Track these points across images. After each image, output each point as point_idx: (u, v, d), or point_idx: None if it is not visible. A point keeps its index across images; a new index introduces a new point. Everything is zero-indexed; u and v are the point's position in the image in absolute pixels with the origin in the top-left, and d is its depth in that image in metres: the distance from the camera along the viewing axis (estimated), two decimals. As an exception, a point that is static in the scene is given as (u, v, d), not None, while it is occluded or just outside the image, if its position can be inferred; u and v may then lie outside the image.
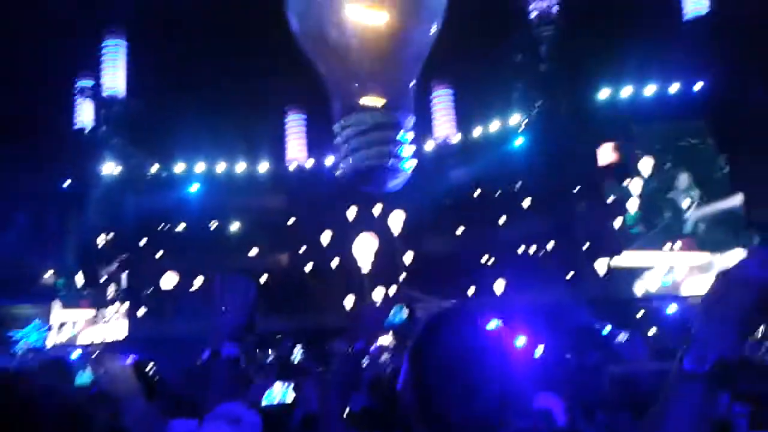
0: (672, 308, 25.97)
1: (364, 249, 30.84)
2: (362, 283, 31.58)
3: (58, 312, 32.25)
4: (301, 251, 36.12)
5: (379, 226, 32.05)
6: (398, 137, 5.93)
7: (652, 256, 28.97)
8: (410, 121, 5.94)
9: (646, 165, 30.07)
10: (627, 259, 28.69)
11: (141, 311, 33.31)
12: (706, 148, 29.49)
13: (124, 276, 33.60)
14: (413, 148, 5.84)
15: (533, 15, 30.78)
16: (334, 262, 34.80)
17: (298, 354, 18.47)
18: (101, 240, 32.67)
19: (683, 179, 29.68)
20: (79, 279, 33.07)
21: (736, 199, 28.12)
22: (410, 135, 6.04)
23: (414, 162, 6.08)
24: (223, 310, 2.78)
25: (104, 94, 33.07)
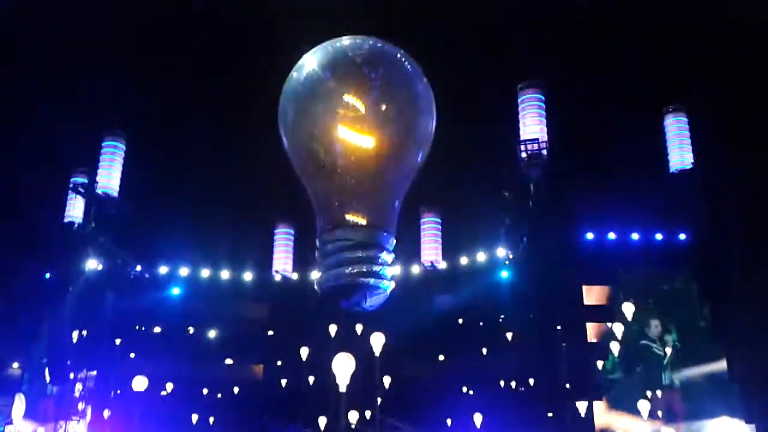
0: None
1: (342, 369, 30.25)
2: (338, 403, 30.74)
3: (19, 408, 30.84)
4: (278, 365, 35.40)
5: (360, 347, 31.61)
6: (379, 257, 6.07)
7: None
8: (392, 242, 6.13)
9: (628, 309, 30.49)
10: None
11: (106, 413, 32.03)
12: (689, 297, 30.03)
13: (92, 375, 32.51)
14: (394, 269, 5.98)
15: (523, 155, 31.71)
16: (311, 380, 34.06)
17: None
18: (75, 336, 31.75)
19: (654, 325, 30.00)
20: (46, 374, 31.91)
21: (721, 364, 28.39)
22: (391, 256, 6.19)
23: (393, 284, 6.21)
24: None
25: (98, 191, 33.17)
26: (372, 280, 5.58)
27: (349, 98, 5.47)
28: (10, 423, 30.54)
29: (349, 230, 5.55)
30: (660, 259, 30.64)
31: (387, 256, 5.68)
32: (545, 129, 32.30)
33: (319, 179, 5.62)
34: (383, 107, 5.36)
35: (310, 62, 8.67)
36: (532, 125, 32.39)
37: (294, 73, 7.29)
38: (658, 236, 30.94)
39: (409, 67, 7.75)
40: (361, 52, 7.01)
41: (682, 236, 30.54)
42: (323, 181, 5.63)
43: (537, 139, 31.80)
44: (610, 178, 31.46)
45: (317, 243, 5.85)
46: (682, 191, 30.04)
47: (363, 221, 5.62)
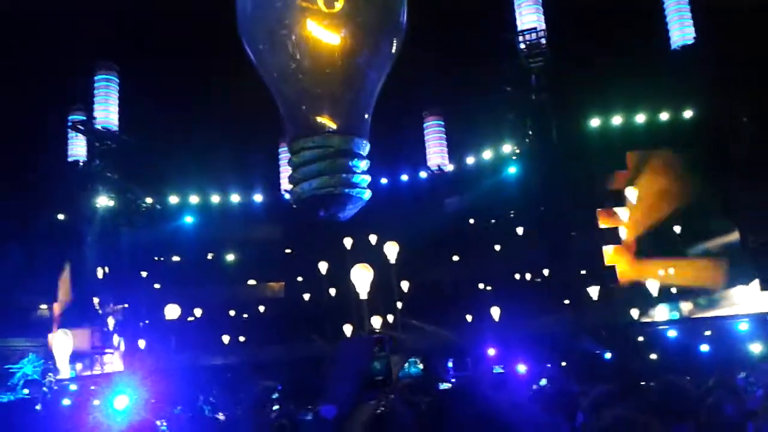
0: (672, 333, 26.14)
1: (361, 279, 30.91)
2: (360, 311, 31.61)
3: (65, 342, 31.96)
4: (298, 281, 36.16)
5: (376, 257, 32.17)
6: (355, 164, 6.02)
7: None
8: (366, 148, 6.07)
9: (632, 193, 30.60)
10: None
11: (141, 343, 33.18)
12: (697, 173, 29.95)
13: (121, 308, 33.48)
14: (368, 176, 5.98)
15: (522, 46, 31.04)
16: (332, 292, 34.83)
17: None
18: (99, 273, 32.48)
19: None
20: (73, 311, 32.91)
21: (734, 236, 28.57)
22: (366, 162, 6.15)
23: (369, 192, 6.23)
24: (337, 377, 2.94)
25: (97, 126, 33.08)
26: (351, 189, 5.54)
27: None
28: (50, 367, 31.50)
29: (322, 137, 5.45)
30: (667, 138, 30.37)
31: (362, 163, 5.63)
32: (542, 18, 31.51)
33: (285, 82, 5.47)
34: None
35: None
36: (528, 14, 31.58)
37: None
38: (664, 115, 30.51)
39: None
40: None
41: (688, 113, 30.09)
42: (289, 85, 5.48)
43: (535, 28, 31.10)
44: (611, 62, 30.72)
45: (288, 152, 5.77)
46: (685, 67, 29.37)
47: (335, 126, 5.50)
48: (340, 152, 5.91)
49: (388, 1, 6.14)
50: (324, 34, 5.72)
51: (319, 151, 5.91)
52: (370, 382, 3.04)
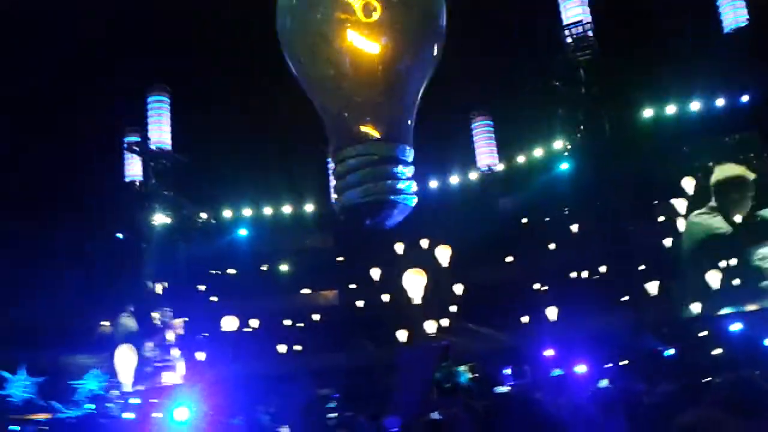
0: (736, 326, 25.21)
1: (414, 284, 30.87)
2: (415, 316, 31.57)
3: (130, 358, 32.78)
4: (351, 288, 36.33)
5: (428, 261, 32.09)
6: (400, 171, 5.89)
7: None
8: (411, 154, 5.94)
9: (688, 184, 29.76)
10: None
11: (200, 355, 33.78)
12: (759, 160, 28.98)
13: (180, 322, 34.14)
14: (413, 182, 5.85)
15: (569, 40, 30.57)
16: (385, 298, 34.86)
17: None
18: (158, 288, 33.21)
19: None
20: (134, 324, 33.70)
21: None
22: (410, 169, 6.01)
23: (416, 198, 6.08)
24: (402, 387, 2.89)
25: (152, 146, 33.86)
26: (396, 196, 5.46)
27: None
28: (115, 383, 32.27)
29: (365, 145, 5.39)
30: (724, 125, 29.43)
31: (407, 170, 5.54)
32: (588, 9, 30.97)
33: (326, 93, 5.44)
34: (389, 3, 5.12)
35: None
36: (573, 8, 31.09)
37: None
38: (720, 102, 29.56)
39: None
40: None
41: (745, 98, 29.09)
42: (331, 96, 5.45)
43: (581, 21, 30.58)
44: (661, 50, 29.97)
45: (332, 162, 5.73)
46: (740, 50, 28.40)
47: (378, 134, 5.43)
48: (384, 159, 5.82)
49: (428, 7, 6.03)
50: (364, 43, 5.64)
51: (363, 159, 5.83)
52: (440, 391, 2.99)
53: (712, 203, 29.06)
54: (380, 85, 6.04)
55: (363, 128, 6.14)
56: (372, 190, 5.99)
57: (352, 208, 6.14)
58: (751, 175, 28.77)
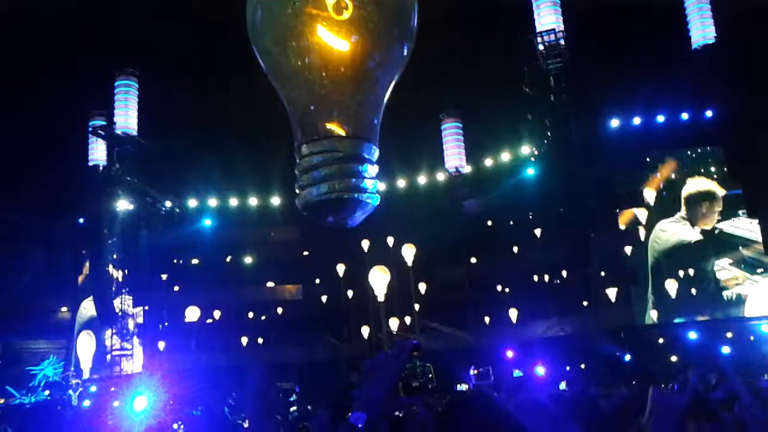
0: (693, 335, 25.84)
1: (378, 281, 31.01)
2: (378, 313, 31.68)
3: (89, 345, 32.29)
4: (316, 283, 36.28)
5: (393, 259, 32.23)
6: (364, 169, 5.88)
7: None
8: (376, 153, 5.93)
9: (650, 194, 30.45)
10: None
11: (161, 345, 33.46)
12: (720, 174, 29.72)
13: (140, 311, 33.77)
14: (377, 181, 5.85)
15: (541, 47, 30.85)
16: (350, 294, 34.91)
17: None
18: (118, 275, 32.79)
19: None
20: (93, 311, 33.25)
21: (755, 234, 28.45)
22: (375, 168, 6.00)
23: (378, 197, 6.08)
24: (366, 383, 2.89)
25: (117, 131, 33.39)
26: (359, 195, 5.47)
27: None
28: (72, 370, 31.87)
29: (331, 141, 5.38)
30: (688, 138, 30.09)
31: (372, 169, 5.55)
32: (561, 18, 31.32)
33: (294, 88, 5.42)
34: (360, 2, 5.13)
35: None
36: (547, 15, 31.41)
37: None
38: (685, 116, 30.21)
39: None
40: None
41: (710, 113, 29.77)
42: (298, 91, 5.43)
43: (554, 30, 30.90)
44: (630, 62, 30.48)
45: (296, 156, 5.69)
46: (707, 67, 29.02)
47: (344, 131, 5.43)
48: (348, 157, 5.86)
49: (399, 7, 6.09)
50: (333, 40, 5.68)
51: (328, 155, 5.87)
52: (408, 389, 3.05)
53: (682, 213, 29.76)
54: (348, 83, 6.09)
55: (329, 124, 6.18)
56: (336, 187, 6.03)
57: (314, 204, 6.17)
58: (722, 191, 29.56)
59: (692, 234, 29.38)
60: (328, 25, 5.80)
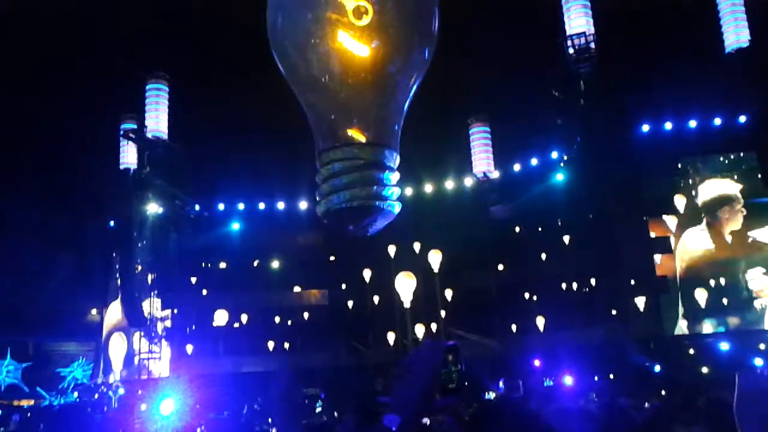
0: (724, 345, 25.27)
1: (404, 287, 30.84)
2: (404, 319, 31.51)
3: (120, 346, 32.61)
4: (342, 288, 36.24)
5: (420, 265, 32.04)
6: (386, 177, 5.80)
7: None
8: (396, 160, 5.85)
9: (680, 201, 29.89)
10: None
11: (189, 348, 33.69)
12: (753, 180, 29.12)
13: (168, 313, 34.03)
14: (398, 188, 5.80)
15: (570, 51, 30.49)
16: (376, 299, 34.81)
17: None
18: (147, 279, 33.09)
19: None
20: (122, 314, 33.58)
21: None
22: (396, 175, 5.92)
23: (399, 205, 5.99)
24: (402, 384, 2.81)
25: (148, 135, 33.76)
26: (381, 202, 5.39)
27: (341, 0, 5.15)
28: (98, 371, 32.20)
29: (351, 148, 5.32)
30: (721, 144, 29.52)
31: (392, 176, 5.46)
32: (591, 21, 30.94)
33: (314, 94, 5.38)
34: (380, 7, 5.07)
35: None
36: (577, 18, 31.06)
37: None
38: (717, 121, 29.62)
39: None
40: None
41: (743, 118, 29.15)
42: (318, 97, 5.39)
43: (584, 33, 30.54)
44: (663, 66, 30.00)
45: (317, 164, 5.62)
46: (740, 71, 28.43)
47: (364, 138, 5.37)
48: (369, 164, 5.76)
49: (420, 11, 5.98)
50: (354, 45, 5.59)
51: (348, 163, 5.78)
52: (443, 390, 2.96)
53: (705, 221, 29.26)
54: (369, 89, 6.00)
55: (350, 131, 6.09)
56: (356, 195, 5.93)
57: (335, 212, 6.07)
58: (737, 187, 28.93)
59: (718, 242, 28.82)
60: (348, 30, 5.72)
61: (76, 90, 35.39)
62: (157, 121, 34.39)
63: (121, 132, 35.07)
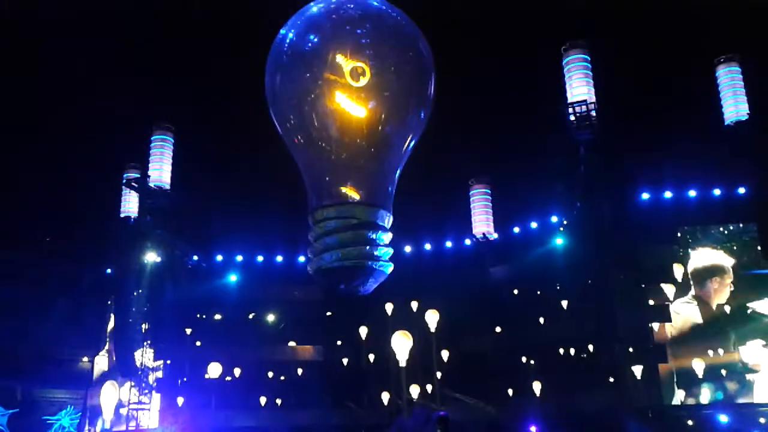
0: (723, 418, 24.85)
1: (400, 346, 30.56)
2: (399, 379, 31.11)
3: (112, 394, 32.06)
4: (337, 344, 35.90)
5: (417, 324, 31.81)
6: (378, 236, 5.75)
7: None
8: (389, 220, 5.81)
9: (678, 270, 29.90)
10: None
11: (179, 400, 33.13)
12: (752, 252, 29.12)
13: (160, 364, 33.59)
14: (391, 249, 5.71)
15: (572, 118, 30.84)
16: (371, 357, 34.45)
17: None
18: (141, 328, 32.77)
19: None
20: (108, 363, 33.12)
21: None
22: (388, 235, 5.85)
23: (391, 265, 5.90)
24: None
25: (150, 185, 33.86)
26: (373, 262, 5.37)
27: (338, 61, 5.25)
28: (85, 420, 31.64)
29: (345, 207, 5.33)
30: (721, 215, 29.66)
31: (385, 236, 5.46)
32: (593, 90, 31.40)
33: (310, 152, 5.42)
34: (378, 70, 5.16)
35: (294, 25, 7.90)
36: (579, 87, 31.49)
37: (277, 39, 6.78)
38: (717, 191, 29.86)
39: (405, 26, 7.31)
40: (352, 13, 6.61)
41: (742, 190, 29.38)
42: (314, 155, 5.42)
43: (585, 101, 30.91)
44: (663, 135, 30.39)
45: (309, 221, 5.64)
46: (740, 143, 28.77)
47: (358, 197, 5.40)
48: (362, 224, 5.83)
49: (415, 75, 6.15)
50: (350, 106, 5.73)
51: (342, 221, 5.85)
52: None
53: (693, 292, 29.30)
54: (364, 149, 6.12)
55: (344, 189, 6.19)
56: (349, 254, 5.98)
57: (327, 270, 6.11)
58: (730, 260, 28.98)
59: (706, 313, 28.78)
60: (346, 91, 5.86)
61: (82, 142, 35.85)
62: (161, 171, 34.50)
63: (124, 181, 35.21)
